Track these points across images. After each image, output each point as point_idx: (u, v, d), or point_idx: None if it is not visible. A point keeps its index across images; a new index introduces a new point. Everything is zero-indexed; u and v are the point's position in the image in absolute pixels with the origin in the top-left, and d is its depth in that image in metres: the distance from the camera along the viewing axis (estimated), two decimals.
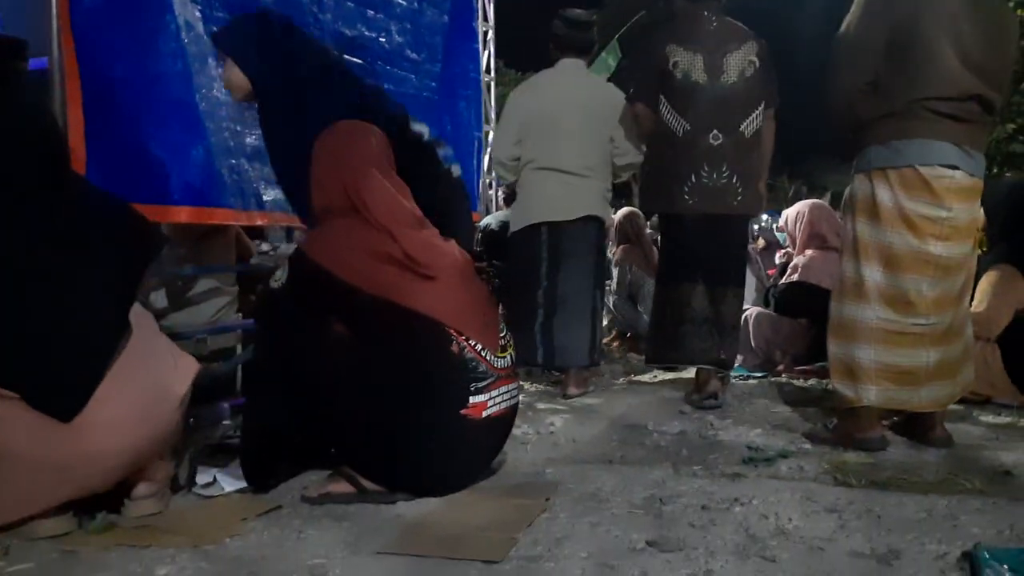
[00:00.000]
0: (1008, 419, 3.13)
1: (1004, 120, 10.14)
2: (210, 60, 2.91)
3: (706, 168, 3.39)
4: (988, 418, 3.15)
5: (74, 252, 1.87)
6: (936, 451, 2.60)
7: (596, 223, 3.70)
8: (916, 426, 2.72)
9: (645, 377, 4.19)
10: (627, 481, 2.18)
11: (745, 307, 4.76)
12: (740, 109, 3.43)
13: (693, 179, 3.41)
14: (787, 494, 2.09)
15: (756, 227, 10.36)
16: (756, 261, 6.10)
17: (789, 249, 5.06)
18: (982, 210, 3.11)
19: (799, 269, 4.42)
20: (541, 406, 3.38)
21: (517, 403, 2.27)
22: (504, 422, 2.21)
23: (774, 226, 10.14)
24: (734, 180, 3.41)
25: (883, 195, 2.55)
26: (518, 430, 2.90)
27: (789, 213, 4.68)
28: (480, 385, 2.08)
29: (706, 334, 3.49)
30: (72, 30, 2.59)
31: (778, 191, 16.94)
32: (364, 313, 2.06)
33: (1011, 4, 9.12)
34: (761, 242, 8.45)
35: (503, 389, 2.16)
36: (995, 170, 10.45)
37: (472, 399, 2.06)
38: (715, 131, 3.39)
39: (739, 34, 3.49)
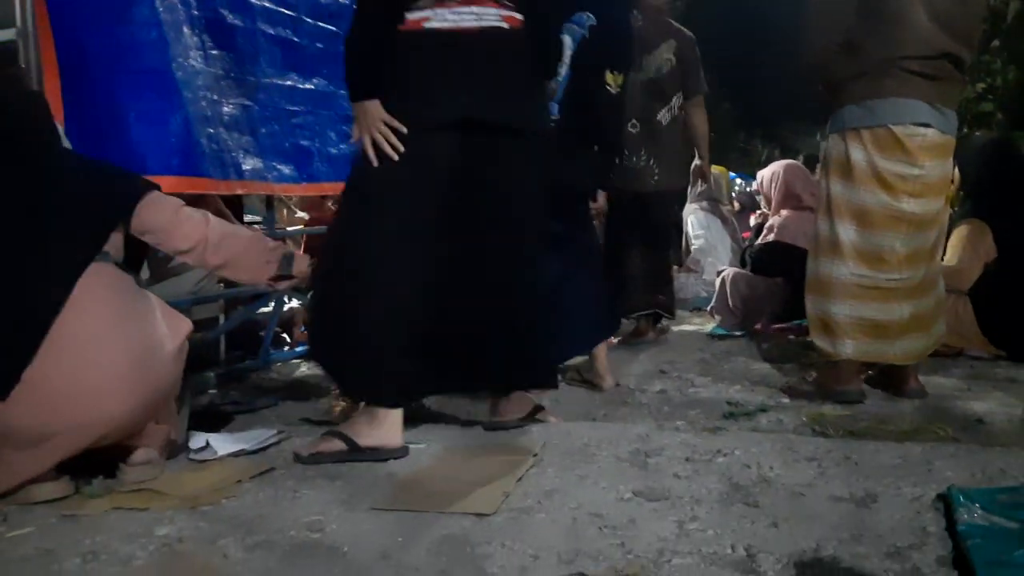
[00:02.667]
0: (980, 370, 3.23)
1: (974, 80, 10.20)
2: (185, 29, 2.89)
3: (626, 153, 3.85)
4: (961, 370, 3.24)
5: (25, 225, 1.88)
6: (911, 402, 2.68)
7: None
8: (891, 379, 2.80)
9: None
10: (612, 436, 2.23)
11: (721, 268, 4.85)
12: (656, 101, 3.94)
13: (616, 162, 3.86)
14: (768, 445, 2.14)
15: (734, 191, 10.44)
16: (731, 223, 6.16)
17: (765, 210, 5.12)
18: (956, 167, 3.21)
19: (775, 229, 4.48)
20: None
21: (493, 26, 2.14)
22: (467, 39, 2.11)
23: (748, 189, 10.22)
24: (651, 163, 3.94)
25: (857, 155, 2.60)
26: None
27: (764, 174, 4.73)
28: (416, 4, 2.06)
29: (640, 289, 4.04)
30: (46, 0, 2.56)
31: (752, 155, 17.02)
32: None
33: None
34: (736, 205, 8.52)
35: (458, 9, 2.09)
36: (966, 129, 10.53)
37: (408, 16, 2.05)
38: (633, 120, 3.86)
39: (661, 33, 3.96)
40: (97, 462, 1.90)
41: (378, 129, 2.07)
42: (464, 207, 2.19)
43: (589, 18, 2.83)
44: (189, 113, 2.86)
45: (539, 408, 2.38)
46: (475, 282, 2.23)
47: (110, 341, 1.84)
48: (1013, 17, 9.84)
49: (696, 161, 4.35)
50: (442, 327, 2.20)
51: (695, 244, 5.77)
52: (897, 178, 2.58)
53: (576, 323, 2.90)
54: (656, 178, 3.98)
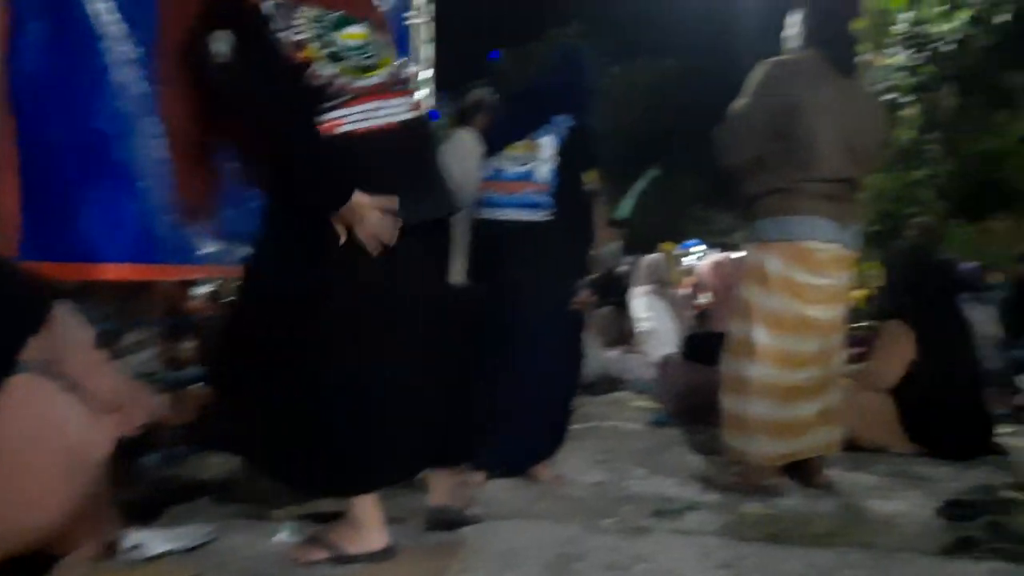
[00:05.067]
0: (900, 467, 3.35)
1: (914, 167, 10.65)
2: (146, 119, 2.98)
3: None
4: (883, 466, 3.36)
5: None
6: (828, 500, 2.81)
7: None
8: (801, 470, 2.96)
9: None
10: (539, 539, 2.30)
11: (665, 351, 4.97)
12: None
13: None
14: (688, 551, 2.25)
15: (693, 257, 10.62)
16: (679, 304, 6.23)
17: (709, 297, 5.28)
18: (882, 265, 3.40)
19: (712, 317, 4.63)
20: None
21: (415, 118, 2.22)
22: (391, 136, 2.15)
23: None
24: None
25: (772, 266, 2.84)
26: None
27: (704, 266, 4.90)
28: (331, 104, 2.09)
29: None
30: (9, 95, 2.64)
31: (710, 223, 17.41)
32: None
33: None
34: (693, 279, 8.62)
35: (368, 106, 2.13)
36: (905, 209, 10.95)
37: (322, 118, 2.08)
38: None
39: None
40: (32, 564, 1.93)
41: (380, 221, 2.06)
42: (425, 304, 2.22)
43: (567, 120, 3.00)
44: (146, 202, 2.93)
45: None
46: (435, 373, 2.24)
47: (29, 455, 1.82)
48: (952, 110, 10.38)
49: None
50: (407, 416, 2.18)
51: (640, 327, 5.86)
52: (807, 288, 2.83)
53: (546, 430, 3.04)
54: None
